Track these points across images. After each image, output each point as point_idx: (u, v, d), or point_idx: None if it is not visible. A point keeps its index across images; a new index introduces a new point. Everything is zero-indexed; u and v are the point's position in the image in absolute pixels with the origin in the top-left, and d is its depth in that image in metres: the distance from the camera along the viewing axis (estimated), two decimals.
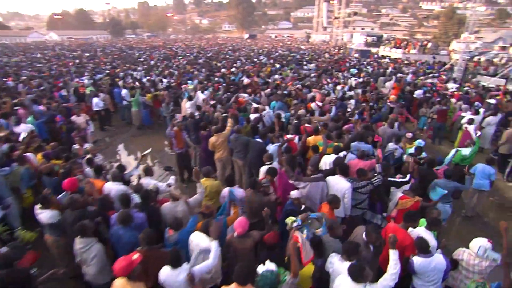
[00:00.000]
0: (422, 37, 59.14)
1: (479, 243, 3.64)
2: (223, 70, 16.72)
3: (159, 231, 4.11)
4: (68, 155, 5.79)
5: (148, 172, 5.41)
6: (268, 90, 11.12)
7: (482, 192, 6.40)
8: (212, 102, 9.65)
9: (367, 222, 5.07)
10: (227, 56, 24.74)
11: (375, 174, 4.99)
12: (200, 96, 10.38)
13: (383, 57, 25.61)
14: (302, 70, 16.79)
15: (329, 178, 5.07)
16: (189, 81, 13.10)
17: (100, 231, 3.90)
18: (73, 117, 8.77)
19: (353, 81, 14.07)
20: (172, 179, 5.31)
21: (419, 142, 6.61)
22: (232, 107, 9.04)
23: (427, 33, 72.03)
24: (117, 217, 3.88)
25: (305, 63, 20.07)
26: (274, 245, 3.76)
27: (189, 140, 7.79)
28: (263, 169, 5.61)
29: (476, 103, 10.04)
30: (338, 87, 11.75)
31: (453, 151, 6.67)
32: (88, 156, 5.80)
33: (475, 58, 30.26)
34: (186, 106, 9.89)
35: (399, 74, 15.68)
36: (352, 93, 11.14)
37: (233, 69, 16.99)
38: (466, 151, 6.72)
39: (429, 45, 29.11)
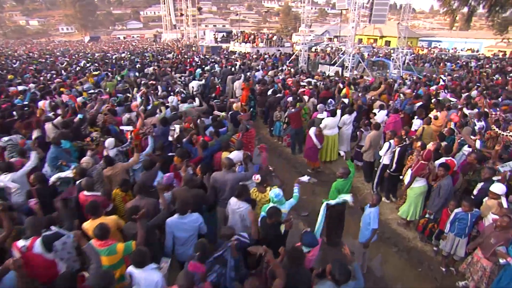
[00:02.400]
0: (268, 31, 62.82)
1: None
2: (12, 88, 10.96)
3: None
4: None
5: None
6: (58, 119, 6.85)
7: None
8: None
9: None
10: (37, 67, 17.87)
11: None
12: None
13: (233, 52, 23.86)
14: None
15: None
16: None
17: None
18: None
19: (195, 85, 11.05)
20: None
21: (276, 194, 3.87)
22: None
23: (271, 27, 77.30)
24: None
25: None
26: None
27: None
28: None
29: (330, 100, 8.43)
30: (170, 98, 8.40)
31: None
32: None
33: (313, 49, 32.49)
34: None
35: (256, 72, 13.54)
36: (186, 105, 7.94)
37: (32, 85, 11.44)
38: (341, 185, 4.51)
39: (275, 38, 29.21)
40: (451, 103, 9.12)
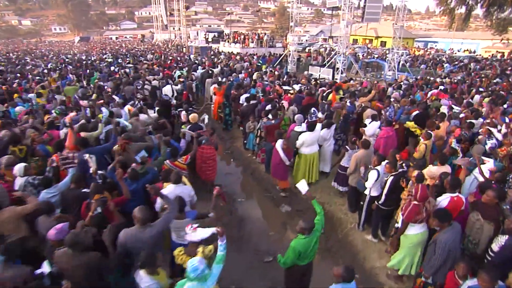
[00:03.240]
0: (262, 31, 61.52)
1: None
2: None
3: None
4: None
5: None
6: None
7: None
8: None
9: None
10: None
11: None
12: None
13: (219, 53, 22.53)
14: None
15: None
16: None
17: None
18: None
19: (168, 91, 9.71)
20: None
21: (193, 267, 2.42)
22: None
23: (266, 28, 76.00)
24: None
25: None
26: None
27: None
28: None
29: (312, 109, 7.09)
30: (126, 108, 6.97)
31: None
32: None
33: (306, 49, 31.20)
34: None
35: (240, 75, 12.19)
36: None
37: None
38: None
39: (265, 38, 27.87)
40: (453, 111, 7.88)
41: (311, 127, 5.86)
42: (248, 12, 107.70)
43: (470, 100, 9.55)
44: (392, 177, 4.19)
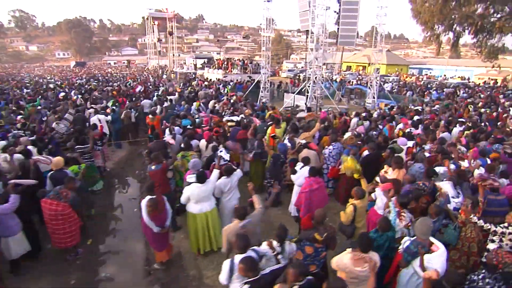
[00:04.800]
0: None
1: None
2: None
3: None
4: None
5: None
6: None
7: None
8: None
9: None
10: None
11: None
12: None
13: (194, 79, 21.39)
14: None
15: None
16: None
17: None
18: None
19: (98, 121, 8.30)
20: None
21: None
22: None
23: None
24: None
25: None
26: None
27: None
28: None
29: (220, 150, 5.44)
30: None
31: None
32: None
33: (297, 76, 30.18)
34: None
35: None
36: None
37: None
38: None
39: (250, 64, 26.79)
40: (419, 153, 6.12)
41: (199, 178, 4.19)
42: (249, 40, 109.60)
43: (448, 133, 7.89)
44: (247, 287, 2.45)
